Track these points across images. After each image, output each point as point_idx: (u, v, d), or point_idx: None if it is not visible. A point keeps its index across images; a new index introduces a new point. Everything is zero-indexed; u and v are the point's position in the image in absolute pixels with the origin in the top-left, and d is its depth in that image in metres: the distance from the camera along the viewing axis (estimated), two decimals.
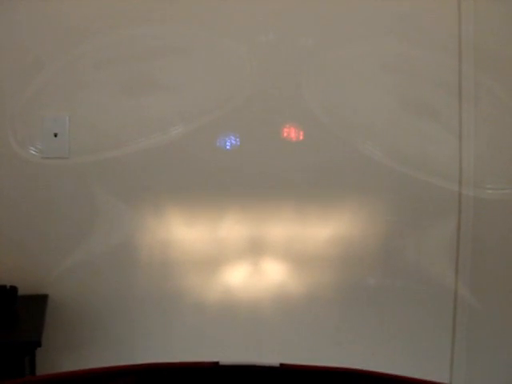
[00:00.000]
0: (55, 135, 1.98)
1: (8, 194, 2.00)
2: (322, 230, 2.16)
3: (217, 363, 1.23)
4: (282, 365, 1.25)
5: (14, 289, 1.89)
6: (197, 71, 2.06)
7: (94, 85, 2.02)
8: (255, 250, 2.14)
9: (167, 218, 2.08)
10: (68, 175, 2.02)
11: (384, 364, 2.15)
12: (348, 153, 2.15)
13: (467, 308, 2.25)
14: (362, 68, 2.15)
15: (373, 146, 2.16)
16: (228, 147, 2.09)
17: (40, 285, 2.01)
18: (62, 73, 1.99)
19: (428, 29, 2.15)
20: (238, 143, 2.10)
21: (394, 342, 2.25)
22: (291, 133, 2.13)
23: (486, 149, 2.22)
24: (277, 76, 2.10)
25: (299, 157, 2.13)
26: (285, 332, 2.19)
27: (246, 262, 2.15)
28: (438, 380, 1.23)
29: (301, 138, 2.14)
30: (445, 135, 2.20)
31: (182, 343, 2.13)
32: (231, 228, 2.11)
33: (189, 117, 2.07)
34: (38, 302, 1.96)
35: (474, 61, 2.16)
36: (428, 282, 2.24)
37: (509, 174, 2.24)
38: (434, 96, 2.18)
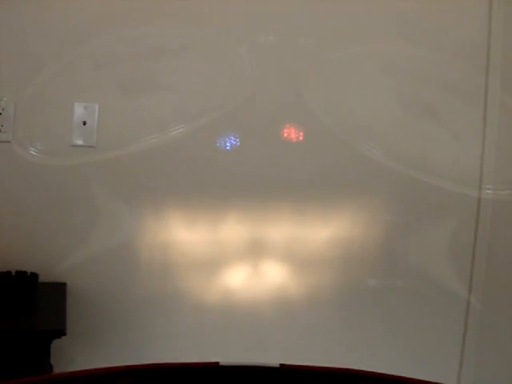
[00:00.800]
0: (84, 123, 1.98)
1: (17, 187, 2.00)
2: (323, 231, 2.17)
3: (217, 363, 1.23)
4: (282, 365, 1.25)
5: (34, 275, 1.86)
6: (197, 71, 2.06)
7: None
8: (255, 251, 2.14)
9: (167, 219, 2.08)
10: (69, 174, 2.02)
11: (384, 365, 2.15)
12: (350, 154, 2.16)
13: (478, 313, 2.26)
14: (363, 68, 2.15)
15: (373, 146, 2.16)
16: (228, 147, 2.09)
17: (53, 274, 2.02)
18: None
19: (439, 32, 2.16)
20: (238, 143, 2.10)
21: (395, 343, 2.25)
22: (291, 133, 2.13)
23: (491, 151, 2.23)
24: (277, 76, 2.10)
25: (299, 157, 2.13)
26: (285, 333, 2.19)
27: (247, 263, 2.15)
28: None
29: (301, 138, 2.14)
30: (445, 136, 2.21)
31: (183, 344, 2.13)
32: (231, 229, 2.11)
33: (189, 117, 2.07)
34: (55, 289, 1.95)
35: (500, 68, 2.17)
36: (429, 283, 2.25)
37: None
38: (444, 99, 2.19)
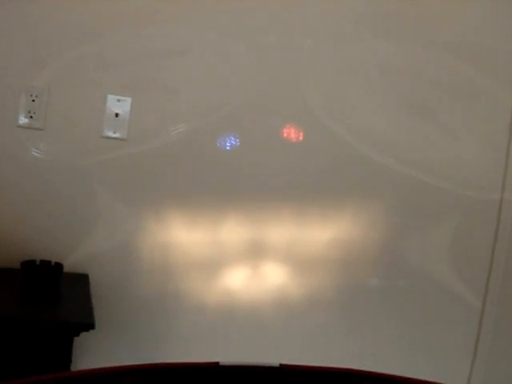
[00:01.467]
0: (116, 115, 1.98)
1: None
2: (323, 232, 2.16)
3: (217, 363, 1.23)
4: (281, 365, 1.24)
5: (59, 266, 1.83)
6: (197, 71, 2.06)
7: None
8: (256, 252, 2.14)
9: (168, 219, 2.07)
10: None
11: (384, 365, 2.15)
12: (350, 154, 2.15)
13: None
14: (363, 69, 2.15)
15: (373, 147, 2.16)
16: (228, 148, 2.09)
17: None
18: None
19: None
20: (238, 143, 2.09)
21: (394, 343, 2.25)
22: (291, 133, 2.13)
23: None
24: (277, 76, 2.10)
25: (299, 158, 2.13)
26: (285, 334, 2.19)
27: (247, 264, 2.14)
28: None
29: (301, 138, 2.14)
30: (445, 136, 2.21)
31: (183, 344, 2.13)
32: (232, 230, 2.11)
33: (189, 117, 2.06)
34: (77, 280, 1.93)
35: (500, 68, 2.19)
36: (430, 283, 2.25)
37: None
38: (444, 99, 2.20)
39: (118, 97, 1.99)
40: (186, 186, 2.08)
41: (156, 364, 1.25)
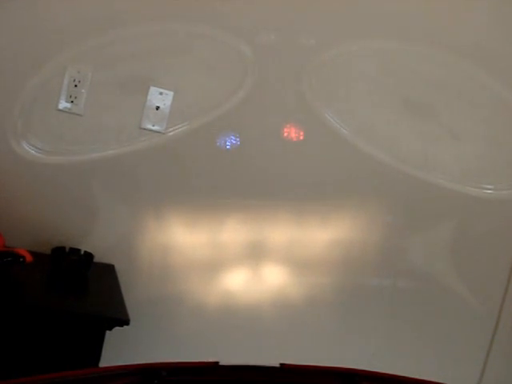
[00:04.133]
0: (157, 108, 1.98)
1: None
2: (323, 233, 2.16)
3: (217, 363, 1.23)
4: (282, 365, 1.25)
5: (89, 255, 1.80)
6: (197, 70, 2.06)
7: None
8: (256, 252, 2.13)
9: (167, 219, 2.07)
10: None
11: (384, 365, 2.15)
12: (350, 154, 2.15)
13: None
14: (363, 68, 2.15)
15: (373, 146, 2.16)
16: (228, 147, 2.09)
17: None
18: None
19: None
20: (239, 143, 2.09)
21: (394, 343, 2.25)
22: (292, 133, 2.13)
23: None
24: (278, 76, 2.09)
25: (300, 157, 2.13)
26: (285, 334, 2.19)
27: (247, 264, 2.14)
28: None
29: (301, 138, 2.13)
30: (445, 136, 2.21)
31: (183, 345, 2.12)
32: (232, 230, 2.11)
33: (189, 116, 2.06)
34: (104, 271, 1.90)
35: (501, 67, 2.17)
36: (430, 283, 2.25)
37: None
38: (444, 99, 2.19)
39: (161, 90, 1.98)
40: (186, 185, 2.08)
41: (156, 364, 1.25)
